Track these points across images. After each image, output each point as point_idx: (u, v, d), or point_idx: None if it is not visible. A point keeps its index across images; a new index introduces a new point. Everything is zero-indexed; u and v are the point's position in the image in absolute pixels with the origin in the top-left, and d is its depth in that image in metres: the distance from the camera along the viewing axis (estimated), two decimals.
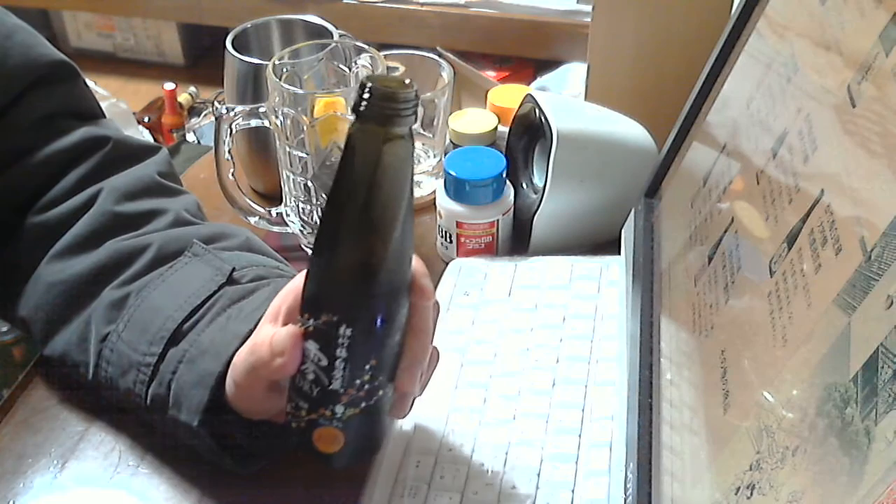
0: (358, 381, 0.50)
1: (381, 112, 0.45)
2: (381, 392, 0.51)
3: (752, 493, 0.39)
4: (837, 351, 0.38)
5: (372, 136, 0.46)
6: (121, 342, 0.59)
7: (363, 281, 0.48)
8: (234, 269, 0.61)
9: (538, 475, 0.57)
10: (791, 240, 0.46)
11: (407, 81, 0.46)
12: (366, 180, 0.46)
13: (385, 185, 0.47)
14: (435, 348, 0.54)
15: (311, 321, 0.49)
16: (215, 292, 0.60)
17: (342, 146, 0.47)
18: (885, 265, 0.37)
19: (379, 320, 0.49)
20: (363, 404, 0.51)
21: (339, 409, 0.50)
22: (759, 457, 0.39)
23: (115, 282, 0.62)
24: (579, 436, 0.59)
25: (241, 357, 0.53)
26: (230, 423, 0.56)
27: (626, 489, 0.52)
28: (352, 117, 0.46)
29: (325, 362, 0.49)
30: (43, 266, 0.64)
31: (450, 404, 0.62)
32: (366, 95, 0.45)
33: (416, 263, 0.51)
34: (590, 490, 0.55)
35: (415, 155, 0.47)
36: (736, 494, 0.40)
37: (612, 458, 0.57)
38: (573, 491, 0.56)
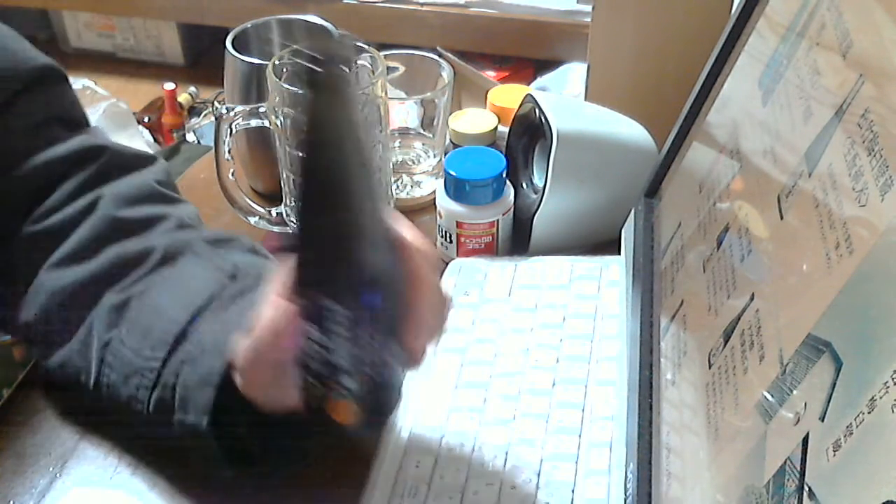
0: (358, 352, 0.49)
1: (307, 77, 0.43)
2: (385, 356, 0.51)
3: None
4: (756, 455, 0.39)
5: (306, 101, 0.44)
6: (123, 347, 0.58)
7: (332, 251, 0.47)
8: (236, 269, 0.61)
9: (538, 475, 0.57)
10: (727, 336, 0.47)
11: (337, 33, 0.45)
12: (308, 141, 0.45)
13: (324, 140, 0.44)
14: (443, 294, 0.53)
15: (302, 300, 0.49)
16: (219, 292, 0.59)
17: None
18: (795, 382, 0.38)
19: (363, 288, 0.48)
20: (369, 371, 0.50)
21: (346, 380, 0.50)
22: None
23: (117, 286, 0.61)
24: (579, 436, 0.59)
25: (243, 343, 0.52)
26: (238, 425, 0.55)
27: (626, 489, 0.52)
28: None
29: (322, 338, 0.49)
30: (44, 273, 0.63)
31: (450, 404, 0.62)
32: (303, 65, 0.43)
33: (402, 223, 0.50)
34: (590, 490, 0.55)
35: (360, 102, 0.46)
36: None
37: (612, 458, 0.57)
38: (573, 491, 0.56)
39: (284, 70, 0.74)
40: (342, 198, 0.46)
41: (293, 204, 0.47)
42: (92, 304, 0.61)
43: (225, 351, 0.54)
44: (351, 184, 0.46)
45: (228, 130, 0.73)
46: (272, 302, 0.51)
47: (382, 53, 0.75)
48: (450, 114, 0.84)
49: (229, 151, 0.75)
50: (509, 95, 0.87)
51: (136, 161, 0.69)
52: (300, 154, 0.45)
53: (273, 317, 0.50)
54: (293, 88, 0.72)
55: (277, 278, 0.52)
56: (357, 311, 0.49)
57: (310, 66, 0.43)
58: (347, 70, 0.44)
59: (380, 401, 0.52)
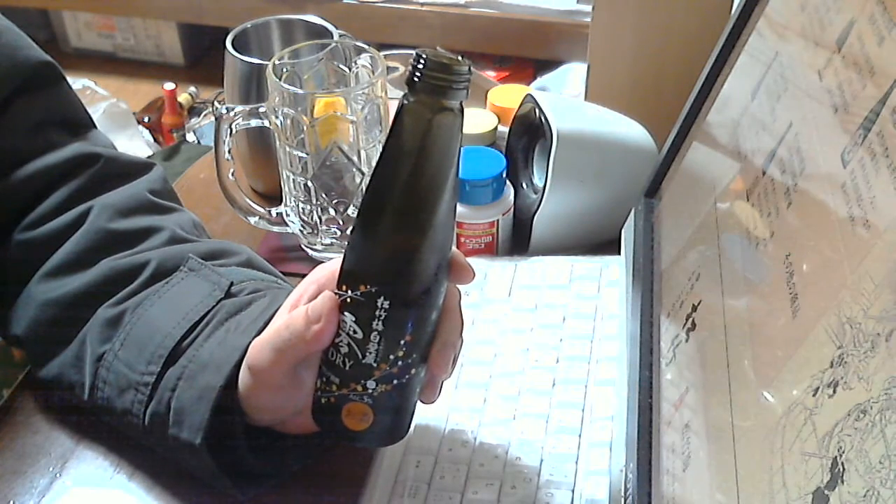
0: (392, 357, 0.50)
1: (434, 83, 0.46)
2: (413, 370, 0.51)
3: (834, 391, 0.36)
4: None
5: (423, 106, 0.46)
6: (118, 362, 0.58)
7: (405, 252, 0.48)
8: (231, 284, 0.60)
9: (538, 475, 0.57)
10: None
11: (460, 58, 0.47)
12: (415, 150, 0.47)
13: (434, 156, 0.47)
14: (463, 323, 0.54)
15: (349, 292, 0.49)
16: (213, 307, 0.59)
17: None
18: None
19: (418, 295, 0.49)
20: (395, 381, 0.51)
21: (371, 384, 0.50)
22: (842, 351, 0.36)
23: (111, 300, 0.60)
24: (579, 436, 0.59)
25: (266, 339, 0.52)
26: (232, 441, 0.55)
27: (625, 489, 0.52)
28: (399, 93, 0.47)
29: (360, 335, 0.49)
30: (34, 285, 0.62)
31: (450, 404, 0.62)
32: (419, 66, 0.45)
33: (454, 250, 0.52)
34: (590, 490, 0.55)
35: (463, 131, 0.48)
36: (815, 396, 0.37)
37: (612, 458, 0.57)
38: (573, 491, 0.56)
39: (284, 70, 0.74)
40: (432, 205, 0.48)
41: (365, 200, 0.49)
42: (85, 317, 0.61)
43: (224, 369, 0.54)
44: (444, 197, 0.48)
45: (228, 130, 0.73)
46: (309, 295, 0.52)
47: (382, 53, 0.75)
48: None
49: (229, 151, 0.75)
50: (509, 95, 0.87)
51: (131, 169, 0.68)
52: (417, 149, 0.47)
53: (313, 305, 0.50)
54: (293, 88, 0.72)
55: (304, 288, 0.53)
56: (405, 314, 0.49)
57: (444, 82, 0.45)
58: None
59: (395, 414, 0.53)
